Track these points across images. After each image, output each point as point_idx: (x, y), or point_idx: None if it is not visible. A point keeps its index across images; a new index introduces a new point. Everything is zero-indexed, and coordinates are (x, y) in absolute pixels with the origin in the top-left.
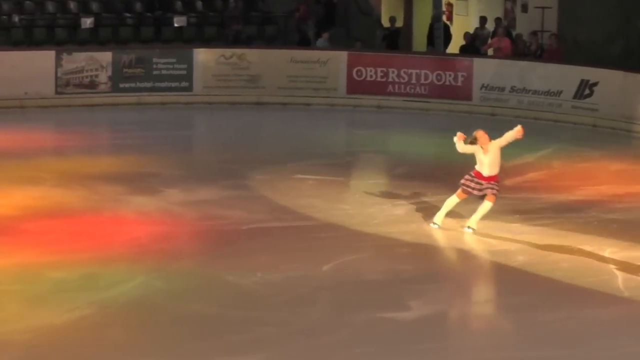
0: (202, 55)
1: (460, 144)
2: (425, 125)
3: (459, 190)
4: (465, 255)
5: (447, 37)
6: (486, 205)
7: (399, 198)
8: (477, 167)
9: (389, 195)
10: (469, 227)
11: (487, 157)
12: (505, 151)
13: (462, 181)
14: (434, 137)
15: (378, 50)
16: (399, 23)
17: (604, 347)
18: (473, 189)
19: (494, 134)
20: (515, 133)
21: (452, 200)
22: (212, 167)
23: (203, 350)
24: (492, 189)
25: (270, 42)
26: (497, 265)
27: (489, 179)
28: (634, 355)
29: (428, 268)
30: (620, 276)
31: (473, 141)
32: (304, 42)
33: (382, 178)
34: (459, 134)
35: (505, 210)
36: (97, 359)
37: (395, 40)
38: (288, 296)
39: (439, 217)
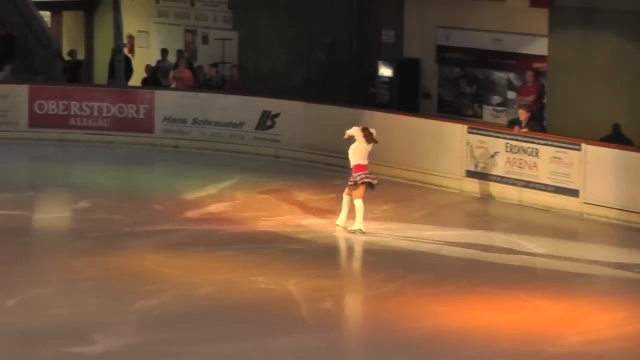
0: None
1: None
2: (108, 158)
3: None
4: (150, 288)
5: (129, 70)
6: (357, 203)
7: (83, 231)
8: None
9: (73, 228)
10: (360, 230)
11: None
12: (188, 183)
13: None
14: (116, 170)
15: (59, 83)
16: (81, 55)
17: None
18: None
19: (177, 166)
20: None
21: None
22: None
23: None
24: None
25: None
26: (183, 297)
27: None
28: None
29: (113, 303)
30: (304, 306)
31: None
32: None
33: (65, 212)
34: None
35: (190, 243)
36: None
37: (77, 72)
38: None
39: (342, 219)
